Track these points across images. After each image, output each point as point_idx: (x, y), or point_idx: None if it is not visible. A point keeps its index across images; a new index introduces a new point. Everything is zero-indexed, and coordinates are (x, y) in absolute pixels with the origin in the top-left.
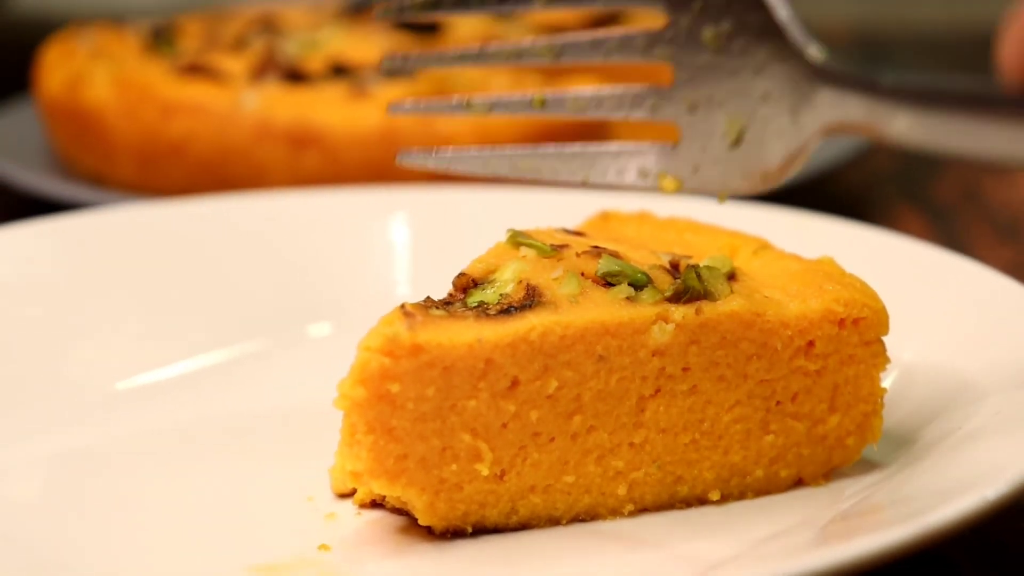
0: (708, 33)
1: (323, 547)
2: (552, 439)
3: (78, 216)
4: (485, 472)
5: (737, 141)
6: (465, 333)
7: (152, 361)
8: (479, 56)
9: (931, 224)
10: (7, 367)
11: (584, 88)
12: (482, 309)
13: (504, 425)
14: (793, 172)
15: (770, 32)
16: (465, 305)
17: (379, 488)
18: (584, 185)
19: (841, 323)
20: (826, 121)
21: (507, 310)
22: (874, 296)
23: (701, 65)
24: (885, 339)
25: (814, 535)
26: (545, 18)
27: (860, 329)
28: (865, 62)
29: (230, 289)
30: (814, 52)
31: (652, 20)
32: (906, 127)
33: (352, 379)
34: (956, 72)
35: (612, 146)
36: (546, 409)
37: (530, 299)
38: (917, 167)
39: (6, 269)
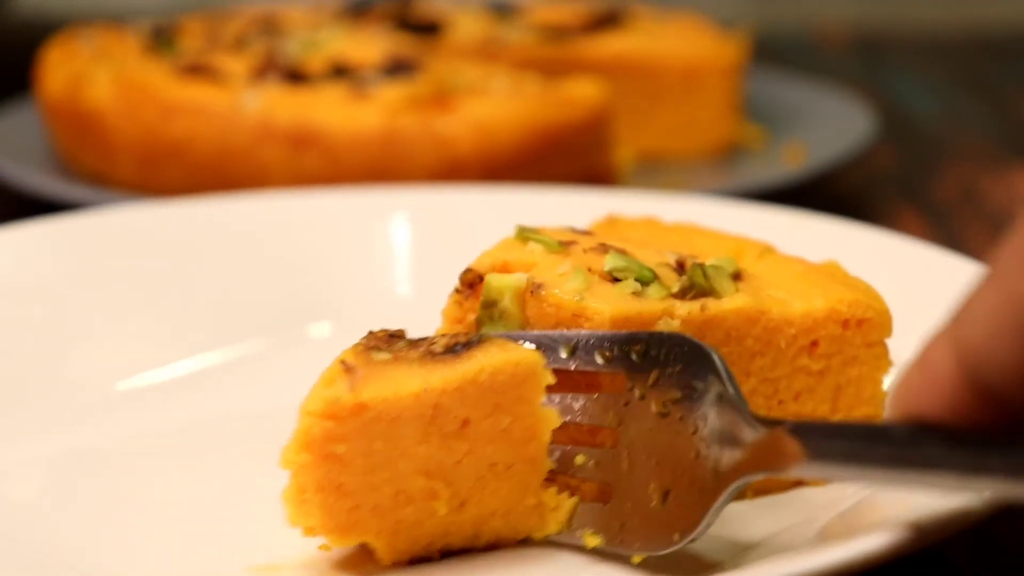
0: (656, 403)
1: (323, 547)
2: (510, 466)
3: (78, 216)
4: (443, 511)
5: (663, 500)
6: (410, 382)
7: (152, 361)
8: None
9: (931, 224)
10: (7, 367)
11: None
12: (428, 348)
13: (459, 463)
14: (705, 528)
15: (713, 398)
16: (410, 344)
17: (334, 542)
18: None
19: (845, 324)
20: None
21: (453, 348)
22: (878, 298)
23: (645, 429)
24: (887, 339)
25: (814, 535)
26: (545, 18)
27: (864, 331)
28: (865, 62)
29: (230, 289)
30: (751, 425)
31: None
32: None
33: (296, 445)
34: (954, 73)
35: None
36: (500, 442)
37: (477, 335)
38: (917, 167)
39: (6, 269)
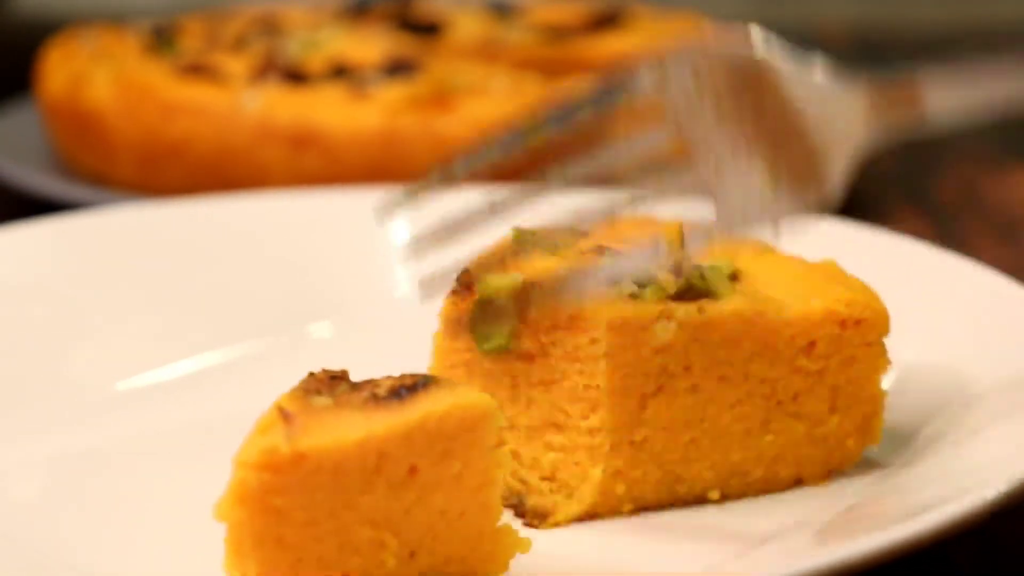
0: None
1: None
2: (462, 514)
3: (78, 216)
4: (392, 562)
5: (776, 186)
6: (352, 430)
7: (152, 361)
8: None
9: (931, 224)
10: (7, 367)
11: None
12: (372, 392)
13: (407, 512)
14: (845, 177)
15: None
16: (352, 387)
17: None
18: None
19: (843, 324)
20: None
21: (398, 393)
22: (876, 298)
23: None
24: (885, 339)
25: (814, 535)
26: (545, 18)
27: (862, 330)
28: (865, 62)
29: (230, 289)
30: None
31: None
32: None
33: (230, 499)
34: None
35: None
36: (451, 489)
37: (423, 377)
38: (917, 167)
39: (6, 269)
